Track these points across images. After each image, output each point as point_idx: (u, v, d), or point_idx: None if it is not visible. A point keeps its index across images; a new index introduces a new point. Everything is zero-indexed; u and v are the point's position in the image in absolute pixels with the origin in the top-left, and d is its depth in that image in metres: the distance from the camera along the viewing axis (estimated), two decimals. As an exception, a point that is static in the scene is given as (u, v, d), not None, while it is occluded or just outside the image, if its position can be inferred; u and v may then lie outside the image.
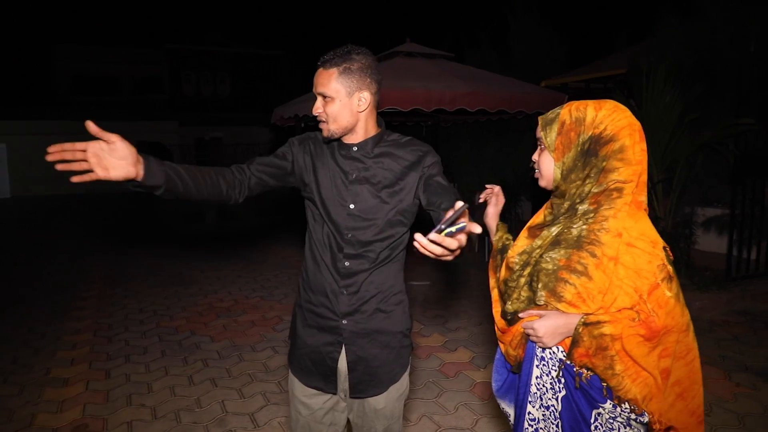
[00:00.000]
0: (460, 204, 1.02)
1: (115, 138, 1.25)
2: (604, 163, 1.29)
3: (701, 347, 3.89)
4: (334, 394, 1.69)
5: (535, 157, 1.43)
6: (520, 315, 1.42)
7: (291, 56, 28.40)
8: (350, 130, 1.59)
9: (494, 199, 1.74)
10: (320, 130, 1.62)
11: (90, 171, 1.24)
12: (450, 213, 1.03)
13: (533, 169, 1.45)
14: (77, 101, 23.60)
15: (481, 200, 1.75)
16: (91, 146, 1.25)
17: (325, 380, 1.67)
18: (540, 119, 1.38)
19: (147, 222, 11.70)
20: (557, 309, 1.34)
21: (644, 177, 1.32)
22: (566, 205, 1.36)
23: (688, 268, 5.46)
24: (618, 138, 1.27)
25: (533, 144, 1.45)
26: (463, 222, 1.02)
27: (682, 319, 1.27)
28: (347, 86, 1.53)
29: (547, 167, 1.38)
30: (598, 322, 1.26)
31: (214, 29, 29.14)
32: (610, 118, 1.28)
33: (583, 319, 1.28)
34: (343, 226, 1.60)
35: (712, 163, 5.79)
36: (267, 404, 3.26)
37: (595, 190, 1.31)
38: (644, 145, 1.31)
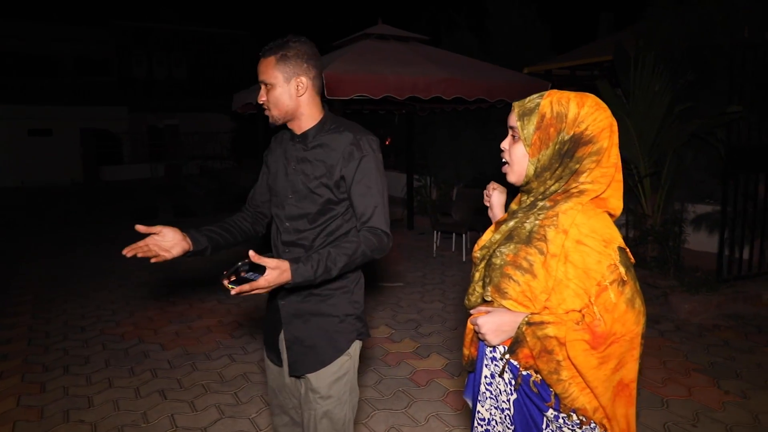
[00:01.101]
0: (241, 262, 1.53)
1: (160, 229, 1.80)
2: (578, 166, 1.31)
3: (690, 352, 4.01)
4: (280, 366, 1.97)
5: (504, 145, 1.42)
6: (471, 311, 1.46)
7: (255, 37, 28.02)
8: (292, 116, 1.82)
9: (492, 199, 1.77)
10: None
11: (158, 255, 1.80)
12: (233, 267, 1.52)
13: (503, 160, 1.45)
14: (10, 83, 22.90)
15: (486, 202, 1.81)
16: (149, 240, 1.82)
17: (276, 354, 1.97)
18: (516, 106, 1.37)
19: (95, 219, 11.43)
20: (503, 306, 1.36)
21: (618, 178, 1.34)
22: (529, 200, 1.39)
23: (677, 269, 5.58)
24: (597, 140, 1.29)
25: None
26: (253, 274, 1.51)
27: (636, 327, 1.27)
28: (285, 72, 1.75)
29: (520, 162, 1.38)
30: (542, 323, 1.28)
31: (169, 5, 28.58)
32: (592, 117, 1.29)
33: (526, 318, 1.30)
34: (282, 216, 1.89)
35: (704, 156, 5.92)
36: (221, 417, 3.21)
37: (559, 191, 1.34)
38: (617, 148, 1.34)
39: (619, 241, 1.28)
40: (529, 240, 1.33)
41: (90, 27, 25.83)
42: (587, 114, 1.29)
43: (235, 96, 7.83)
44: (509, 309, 1.35)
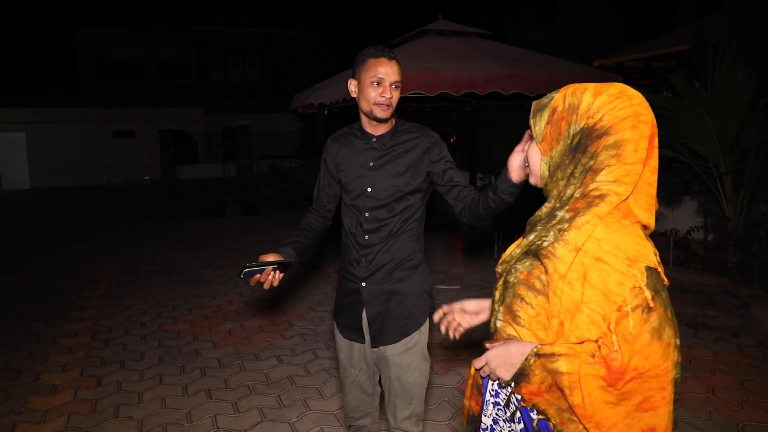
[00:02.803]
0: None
1: (263, 258, 2.00)
2: (592, 162, 1.13)
3: (772, 370, 3.62)
4: (363, 343, 2.17)
5: (523, 146, 1.29)
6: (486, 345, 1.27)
7: (325, 37, 28.44)
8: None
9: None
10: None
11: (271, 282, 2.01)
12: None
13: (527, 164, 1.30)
14: (99, 87, 24.32)
15: None
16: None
17: (355, 332, 2.17)
18: (534, 104, 1.24)
19: (166, 215, 11.92)
20: (512, 336, 1.21)
21: (649, 180, 1.15)
22: (545, 209, 1.21)
23: (762, 277, 5.11)
24: (615, 131, 1.10)
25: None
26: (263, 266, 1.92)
27: (664, 363, 1.07)
28: (402, 79, 2.04)
29: (535, 161, 1.24)
30: (553, 354, 1.11)
31: (244, 9, 29.48)
32: (610, 106, 1.11)
33: (535, 349, 1.14)
34: (362, 207, 2.09)
35: (793, 153, 5.40)
36: (262, 420, 3.20)
37: (577, 195, 1.15)
38: (656, 143, 1.14)
39: (650, 259, 1.10)
40: (541, 257, 1.18)
41: (172, 31, 27.09)
42: (604, 103, 1.12)
43: (296, 96, 7.90)
44: (518, 338, 1.20)
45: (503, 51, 6.50)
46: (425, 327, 2.15)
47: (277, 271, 1.96)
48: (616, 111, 1.11)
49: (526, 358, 1.15)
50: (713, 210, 5.80)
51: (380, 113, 2.00)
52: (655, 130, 1.14)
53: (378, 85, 1.98)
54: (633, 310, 1.06)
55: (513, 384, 1.18)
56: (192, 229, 10.06)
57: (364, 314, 2.13)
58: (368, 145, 2.11)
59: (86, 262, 7.41)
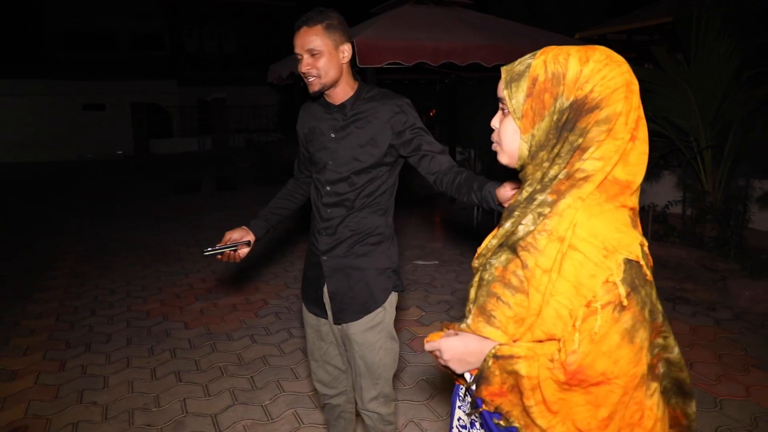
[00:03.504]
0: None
1: (227, 238, 2.02)
2: (581, 140, 0.99)
3: (750, 345, 3.60)
4: (326, 318, 2.11)
5: (494, 123, 1.13)
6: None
7: (302, 7, 27.80)
8: (335, 83, 1.89)
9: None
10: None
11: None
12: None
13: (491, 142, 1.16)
14: (69, 59, 23.56)
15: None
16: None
17: (319, 307, 2.11)
18: (503, 71, 1.08)
19: (138, 191, 11.62)
20: (486, 337, 1.08)
21: (641, 149, 1.02)
22: (525, 193, 1.07)
23: (739, 251, 5.10)
24: (607, 104, 0.97)
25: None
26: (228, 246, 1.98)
27: (635, 369, 0.96)
28: (333, 40, 1.83)
29: (511, 140, 1.08)
30: (511, 356, 1.00)
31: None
32: (600, 75, 0.97)
33: (493, 350, 1.02)
34: (323, 180, 1.99)
35: (773, 127, 5.36)
36: (233, 404, 3.08)
37: (561, 176, 1.02)
38: (641, 112, 1.01)
39: (631, 250, 0.96)
40: (518, 248, 1.04)
41: (145, 1, 26.23)
42: (593, 71, 0.97)
43: (272, 67, 7.65)
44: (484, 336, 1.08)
45: (485, 21, 6.32)
46: (390, 305, 2.06)
47: (237, 251, 1.99)
48: (607, 81, 0.97)
49: (485, 360, 1.04)
50: (692, 184, 5.76)
51: (309, 88, 1.88)
52: (639, 102, 1.02)
53: (300, 60, 1.85)
54: (603, 307, 0.93)
55: (473, 386, 1.07)
56: (165, 205, 9.81)
57: (325, 289, 2.07)
58: (330, 115, 1.99)
59: (52, 241, 7.16)
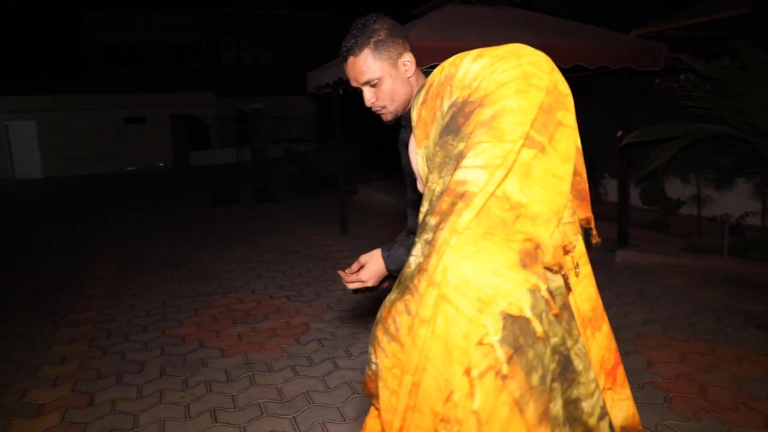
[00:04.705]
0: None
1: (362, 261, 1.60)
2: (463, 145, 0.79)
3: None
4: None
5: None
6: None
7: (339, 17, 27.77)
8: (408, 101, 1.53)
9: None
10: (362, 103, 1.61)
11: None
12: None
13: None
14: (110, 73, 23.99)
15: None
16: (361, 274, 1.59)
17: None
18: None
19: (177, 203, 11.52)
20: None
21: (558, 173, 0.79)
22: (421, 215, 0.89)
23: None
24: (492, 100, 0.80)
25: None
26: None
27: None
28: (388, 57, 1.49)
29: (415, 160, 0.96)
30: None
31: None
32: (490, 70, 0.83)
33: None
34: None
35: None
36: (275, 452, 2.74)
37: (443, 190, 0.85)
38: (568, 119, 0.80)
39: (512, 300, 0.72)
40: (403, 287, 0.83)
41: (182, 15, 26.61)
42: (484, 67, 0.84)
43: (309, 75, 7.40)
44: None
45: (535, 19, 5.91)
46: None
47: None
48: (496, 75, 0.82)
49: None
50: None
51: (383, 120, 1.59)
52: (564, 101, 0.82)
53: (360, 92, 1.57)
54: (481, 377, 0.71)
55: None
56: (204, 217, 9.64)
57: None
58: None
59: (91, 256, 7.01)
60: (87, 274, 6.15)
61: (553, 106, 0.79)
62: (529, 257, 0.75)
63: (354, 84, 1.54)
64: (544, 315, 0.73)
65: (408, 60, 1.51)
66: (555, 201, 0.76)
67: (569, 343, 0.75)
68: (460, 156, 0.78)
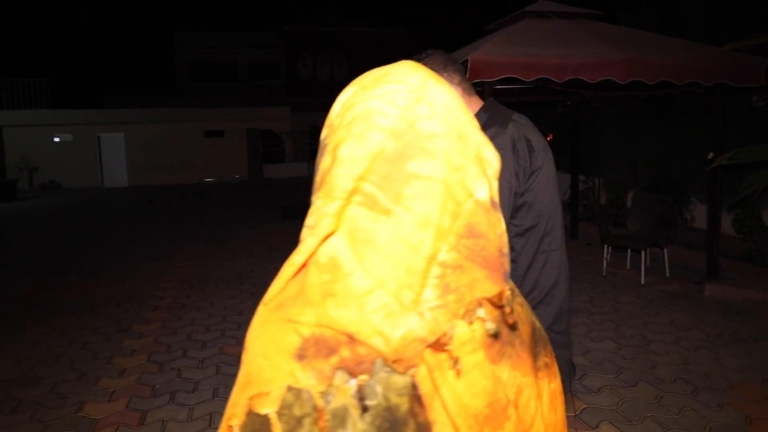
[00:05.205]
0: None
1: None
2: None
3: None
4: None
5: None
6: None
7: (412, 33, 27.90)
8: None
9: None
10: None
11: None
12: None
13: None
14: (194, 88, 25.04)
15: None
16: None
17: None
18: None
19: (248, 216, 11.73)
20: None
21: (409, 240, 0.60)
22: None
23: None
24: (332, 145, 0.62)
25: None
26: None
27: None
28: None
29: None
30: None
31: (333, 8, 29.44)
32: (350, 103, 0.63)
33: None
34: None
35: None
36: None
37: None
38: (422, 162, 0.60)
39: (263, 389, 0.58)
40: None
41: (263, 33, 27.56)
42: (347, 99, 0.63)
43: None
44: None
45: (617, 33, 5.54)
46: None
47: None
48: (351, 111, 0.62)
49: None
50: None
51: None
52: (425, 145, 0.60)
53: None
54: None
55: None
56: (273, 231, 9.72)
57: None
58: None
59: (161, 266, 7.16)
60: (155, 285, 6.26)
61: (404, 153, 0.60)
62: (316, 348, 0.59)
63: None
64: (305, 421, 0.59)
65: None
66: (398, 278, 0.58)
67: None
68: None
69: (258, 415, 0.60)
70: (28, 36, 26.64)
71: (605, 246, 6.12)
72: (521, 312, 0.72)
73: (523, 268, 1.62)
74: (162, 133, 20.82)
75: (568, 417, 2.27)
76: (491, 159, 0.68)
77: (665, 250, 5.87)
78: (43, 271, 7.14)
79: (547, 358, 0.75)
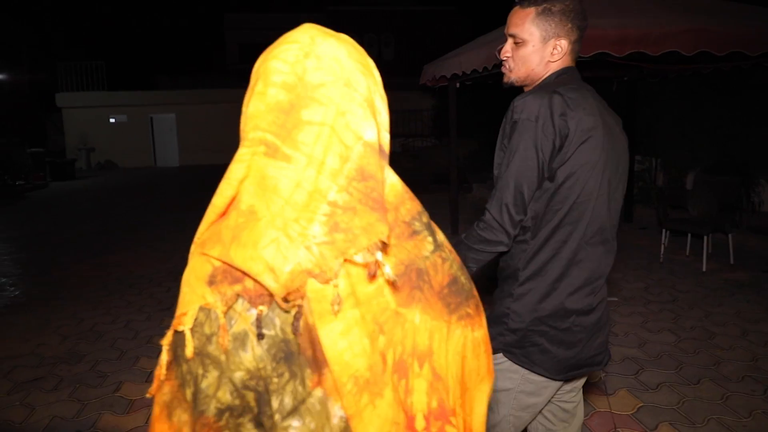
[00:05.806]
0: None
1: None
2: None
3: None
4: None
5: None
6: None
7: (461, 11, 27.24)
8: (532, 82, 1.57)
9: None
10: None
11: None
12: None
13: None
14: (242, 69, 25.22)
15: None
16: None
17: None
18: None
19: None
20: None
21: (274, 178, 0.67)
22: None
23: None
24: (245, 104, 0.75)
25: None
26: None
27: None
28: (544, 30, 1.51)
29: None
30: None
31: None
32: (262, 60, 0.77)
33: None
34: None
35: None
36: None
37: None
38: (313, 111, 0.68)
39: (184, 311, 0.67)
40: None
41: (310, 14, 27.44)
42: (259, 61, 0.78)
43: (425, 68, 7.07)
44: None
45: (684, 0, 5.09)
46: (503, 375, 1.56)
47: None
48: (253, 73, 0.76)
49: None
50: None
51: (503, 80, 1.61)
52: (313, 94, 0.67)
53: (503, 42, 1.61)
54: (158, 367, 0.71)
55: None
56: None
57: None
58: None
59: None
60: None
61: (296, 103, 0.68)
62: (223, 275, 0.67)
63: (506, 30, 1.55)
64: (214, 339, 0.66)
65: (561, 46, 1.50)
66: (284, 214, 0.65)
67: (289, 387, 0.66)
68: None
69: (178, 333, 0.68)
70: (85, 21, 27.36)
71: (663, 230, 5.73)
72: (440, 264, 0.78)
73: (532, 250, 1.48)
74: (211, 114, 21.08)
75: (621, 415, 2.06)
76: (380, 107, 0.74)
77: (730, 236, 5.45)
78: (94, 248, 7.27)
79: (470, 309, 0.79)
